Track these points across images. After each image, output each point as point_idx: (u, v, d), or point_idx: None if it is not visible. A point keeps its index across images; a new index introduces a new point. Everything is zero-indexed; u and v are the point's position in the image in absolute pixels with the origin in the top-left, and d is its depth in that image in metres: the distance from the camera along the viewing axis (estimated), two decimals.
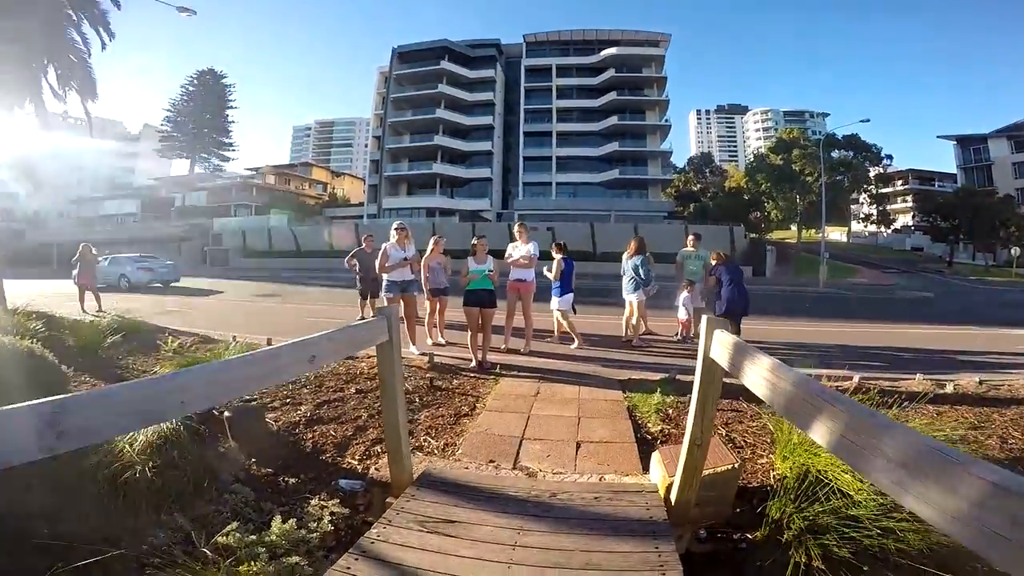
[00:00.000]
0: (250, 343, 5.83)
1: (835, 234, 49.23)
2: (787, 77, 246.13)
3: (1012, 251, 29.31)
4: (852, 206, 45.91)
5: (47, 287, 17.73)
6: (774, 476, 2.88)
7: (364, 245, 8.59)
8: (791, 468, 2.70)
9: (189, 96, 59.15)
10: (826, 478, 2.34)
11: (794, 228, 43.04)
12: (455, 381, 4.68)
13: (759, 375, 1.60)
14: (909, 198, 53.98)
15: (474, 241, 5.70)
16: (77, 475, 2.51)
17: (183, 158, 61.03)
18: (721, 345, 1.95)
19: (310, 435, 3.47)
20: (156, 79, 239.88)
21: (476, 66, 46.82)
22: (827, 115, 72.77)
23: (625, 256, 6.98)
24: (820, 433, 1.19)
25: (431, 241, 6.47)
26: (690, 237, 7.53)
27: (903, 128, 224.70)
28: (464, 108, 45.90)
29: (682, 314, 7.11)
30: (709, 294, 6.72)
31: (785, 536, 2.27)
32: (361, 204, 50.42)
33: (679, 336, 7.16)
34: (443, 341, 6.60)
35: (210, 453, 3.03)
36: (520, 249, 6.26)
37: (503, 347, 6.20)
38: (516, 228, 6.49)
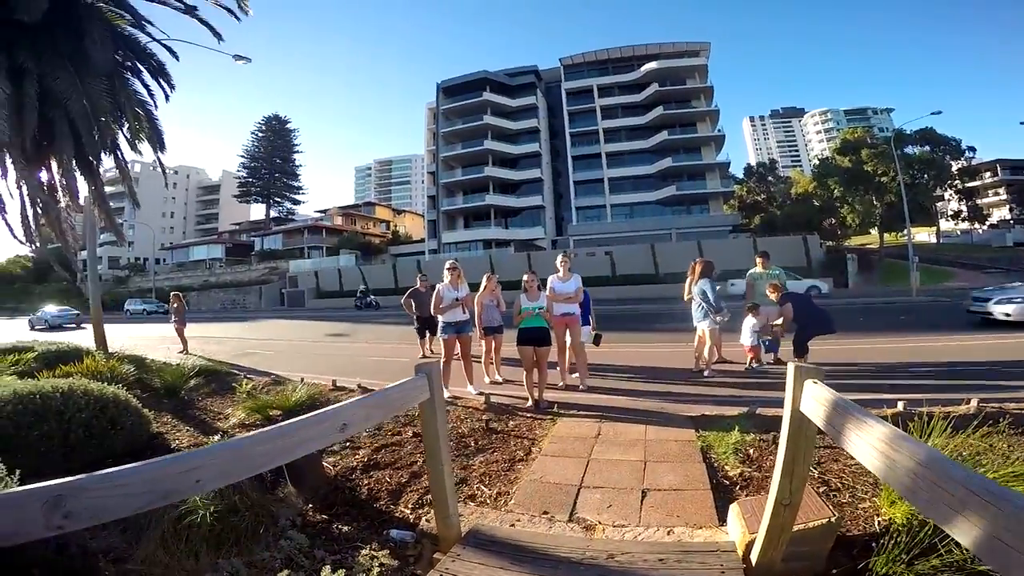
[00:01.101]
0: (316, 383, 6.13)
1: (922, 235, 44.71)
2: (841, 73, 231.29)
3: None
4: (938, 203, 41.41)
5: (145, 329, 20.11)
6: (879, 523, 2.47)
7: (419, 285, 8.87)
8: (901, 513, 2.30)
9: (259, 141, 63.88)
10: None
11: (874, 232, 39.42)
12: (511, 422, 4.54)
13: (868, 444, 1.32)
14: (1002, 190, 48.42)
15: (525, 278, 5.50)
16: (146, 516, 2.60)
17: (259, 202, 65.99)
18: (815, 400, 1.66)
19: (366, 481, 3.44)
20: (231, 126, 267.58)
21: (516, 94, 47.44)
22: (891, 110, 66.64)
23: (689, 282, 6.50)
24: (963, 532, 0.94)
25: (484, 278, 6.38)
26: (758, 257, 7.01)
27: (978, 115, 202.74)
28: (510, 137, 46.42)
29: (745, 339, 6.52)
30: (789, 324, 6.12)
31: None
32: (422, 240, 52.04)
33: (748, 365, 6.52)
34: (500, 379, 6.51)
35: (269, 498, 3.07)
36: (564, 285, 6.02)
37: (561, 384, 5.98)
38: (559, 260, 6.17)
